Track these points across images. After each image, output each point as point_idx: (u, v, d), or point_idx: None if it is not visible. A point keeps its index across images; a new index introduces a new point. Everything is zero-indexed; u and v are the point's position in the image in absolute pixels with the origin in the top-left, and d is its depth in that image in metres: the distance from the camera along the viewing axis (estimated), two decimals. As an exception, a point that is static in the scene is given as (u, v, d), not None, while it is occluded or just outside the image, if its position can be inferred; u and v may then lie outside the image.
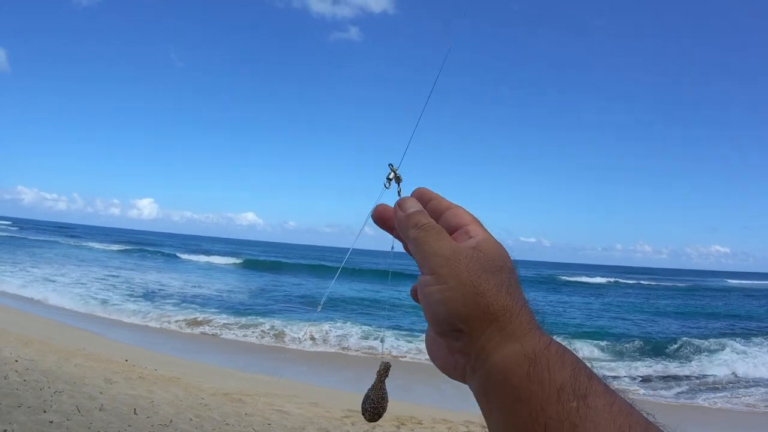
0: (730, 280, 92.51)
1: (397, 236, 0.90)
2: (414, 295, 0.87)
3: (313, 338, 17.96)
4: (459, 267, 0.74)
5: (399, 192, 0.96)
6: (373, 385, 1.28)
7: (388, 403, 1.21)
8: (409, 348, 17.56)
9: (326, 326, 19.27)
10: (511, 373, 0.68)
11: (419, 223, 0.81)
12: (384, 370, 1.21)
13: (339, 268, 1.24)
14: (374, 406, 1.24)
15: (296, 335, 18.12)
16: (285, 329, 18.83)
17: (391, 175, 0.98)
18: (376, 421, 1.26)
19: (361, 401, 1.15)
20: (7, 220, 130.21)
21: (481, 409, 0.75)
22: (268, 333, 18.48)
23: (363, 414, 1.28)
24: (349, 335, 18.63)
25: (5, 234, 72.90)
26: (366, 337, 18.65)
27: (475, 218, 0.84)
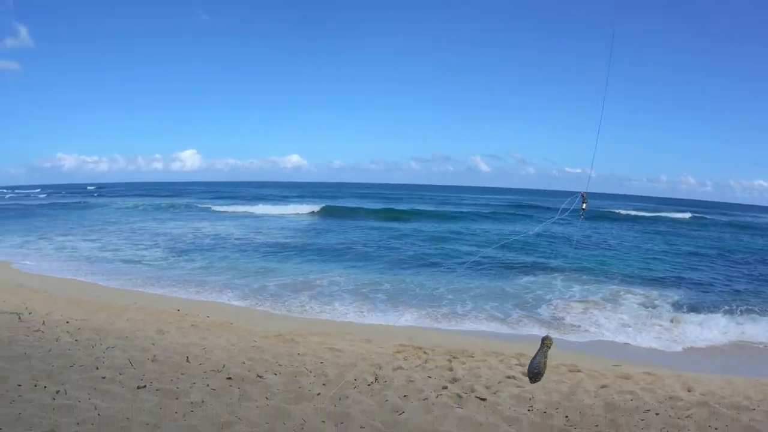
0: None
1: None
2: None
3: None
4: None
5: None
6: (538, 353, 3.20)
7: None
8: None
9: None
10: None
11: None
12: (549, 342, 3.13)
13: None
14: (539, 370, 3.18)
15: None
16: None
17: (584, 205, 2.88)
18: (537, 381, 3.34)
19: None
20: (36, 188, 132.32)
21: None
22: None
23: (528, 374, 3.51)
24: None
25: (33, 203, 72.70)
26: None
27: None
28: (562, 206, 4.95)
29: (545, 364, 4.39)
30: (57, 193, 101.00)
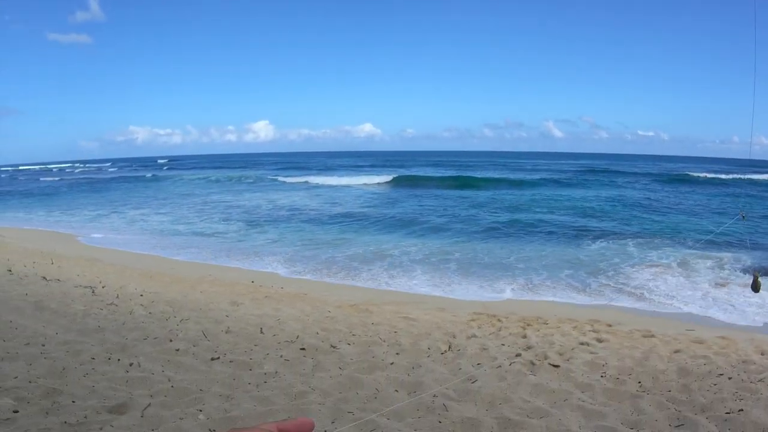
0: None
1: None
2: None
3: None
4: None
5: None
6: (755, 279, 6.57)
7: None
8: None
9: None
10: None
11: None
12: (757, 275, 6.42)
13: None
14: (758, 286, 6.49)
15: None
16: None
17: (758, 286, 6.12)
18: (758, 291, 6.78)
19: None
20: (108, 162, 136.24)
21: None
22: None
23: (753, 285, 6.70)
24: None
25: (104, 176, 74.36)
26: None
27: None
28: (733, 220, 6.62)
29: (760, 282, 6.26)
30: (128, 167, 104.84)
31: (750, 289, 6.71)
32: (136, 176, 68.84)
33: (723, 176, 57.63)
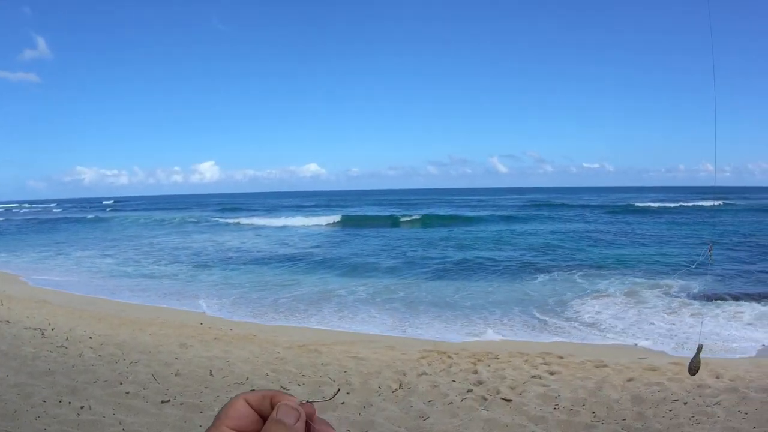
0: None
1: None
2: None
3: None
4: None
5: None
6: (696, 355, 5.21)
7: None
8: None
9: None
10: None
11: None
12: (701, 349, 5.16)
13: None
14: (696, 367, 5.20)
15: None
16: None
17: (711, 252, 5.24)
18: (694, 374, 5.45)
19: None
20: (52, 202, 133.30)
21: None
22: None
23: (690, 370, 5.37)
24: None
25: (50, 217, 72.40)
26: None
27: None
28: (700, 258, 6.48)
29: (699, 361, 5.73)
30: (73, 207, 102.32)
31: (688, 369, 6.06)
32: (80, 217, 67.22)
33: (669, 204, 60.05)
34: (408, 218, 47.24)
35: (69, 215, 74.73)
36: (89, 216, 69.54)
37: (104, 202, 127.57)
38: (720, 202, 59.96)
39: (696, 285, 16.47)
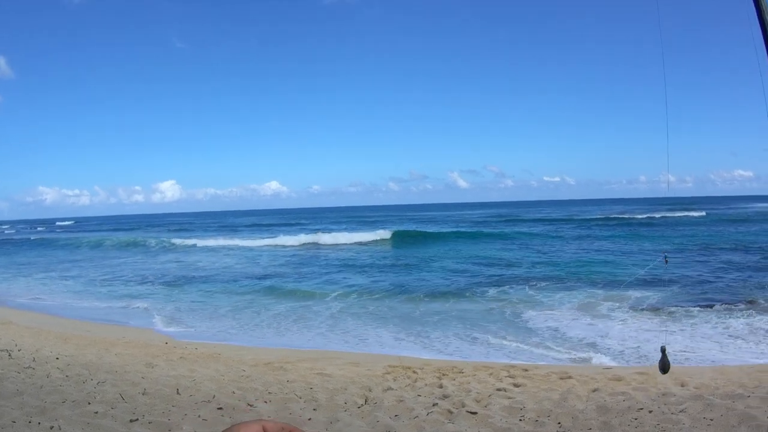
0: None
1: None
2: None
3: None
4: None
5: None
6: (663, 356, 5.72)
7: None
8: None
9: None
10: None
11: None
12: (664, 348, 5.70)
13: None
14: (666, 367, 5.66)
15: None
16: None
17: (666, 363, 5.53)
18: (666, 373, 5.91)
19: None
20: (6, 224, 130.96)
21: None
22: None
23: (661, 370, 5.84)
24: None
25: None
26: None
27: None
28: (652, 263, 6.91)
29: (668, 362, 6.01)
30: (26, 229, 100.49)
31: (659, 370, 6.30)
32: (37, 239, 65.95)
33: (627, 216, 61.26)
34: (367, 235, 46.67)
35: (24, 236, 73.23)
36: (32, 237, 68.58)
37: (57, 222, 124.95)
38: (682, 213, 61.28)
39: (655, 295, 17.00)
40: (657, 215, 59.81)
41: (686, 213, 62.26)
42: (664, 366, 6.06)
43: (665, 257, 6.63)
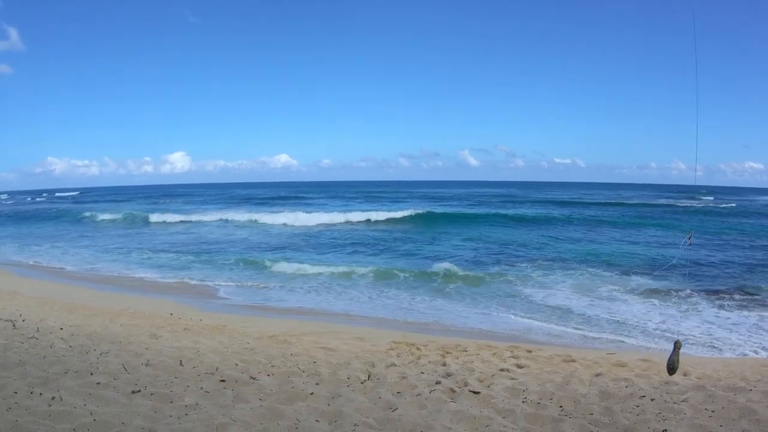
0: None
1: None
2: None
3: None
4: None
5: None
6: (673, 353, 5.78)
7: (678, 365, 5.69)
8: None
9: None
10: None
11: None
12: (680, 344, 5.70)
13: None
14: (674, 366, 5.74)
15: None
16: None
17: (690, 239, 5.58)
18: (673, 374, 6.12)
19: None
20: (6, 194, 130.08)
21: None
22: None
23: (668, 369, 5.97)
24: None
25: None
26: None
27: None
28: (682, 243, 6.49)
29: (678, 360, 6.07)
30: (26, 200, 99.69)
31: (667, 368, 6.26)
32: (43, 208, 65.83)
33: (640, 201, 60.61)
34: (375, 213, 45.13)
35: (24, 207, 72.67)
36: (50, 206, 68.34)
37: (57, 194, 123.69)
38: (698, 202, 60.38)
39: (669, 282, 16.94)
40: (696, 204, 58.67)
41: (715, 204, 59.73)
42: (673, 365, 6.00)
43: (689, 237, 6.43)
